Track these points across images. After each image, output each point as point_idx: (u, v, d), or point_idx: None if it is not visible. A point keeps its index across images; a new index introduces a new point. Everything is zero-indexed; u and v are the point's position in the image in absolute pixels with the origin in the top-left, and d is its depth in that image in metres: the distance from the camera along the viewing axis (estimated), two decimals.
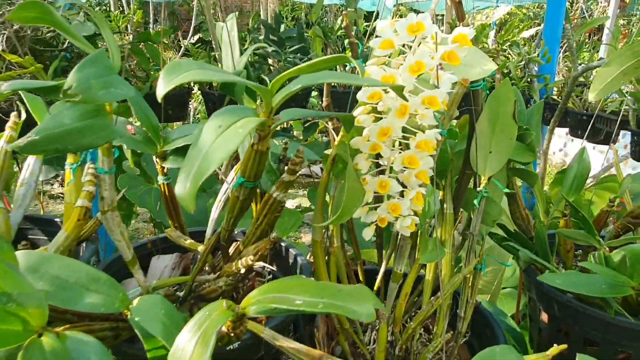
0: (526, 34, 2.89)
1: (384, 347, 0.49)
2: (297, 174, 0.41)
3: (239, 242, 0.51)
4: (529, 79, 2.01)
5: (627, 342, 0.54)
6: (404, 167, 0.42)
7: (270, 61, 1.83)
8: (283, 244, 0.63)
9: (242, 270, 0.39)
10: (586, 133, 1.64)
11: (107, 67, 0.35)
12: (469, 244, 0.56)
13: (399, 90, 0.38)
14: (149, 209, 1.30)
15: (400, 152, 0.42)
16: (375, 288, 0.60)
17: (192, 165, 0.33)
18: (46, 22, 0.40)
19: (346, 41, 1.95)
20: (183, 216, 0.62)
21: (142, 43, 1.88)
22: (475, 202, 0.54)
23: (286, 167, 0.41)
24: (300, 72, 0.34)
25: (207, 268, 0.56)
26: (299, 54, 1.89)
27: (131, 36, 2.02)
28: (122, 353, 0.44)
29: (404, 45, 0.43)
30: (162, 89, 0.28)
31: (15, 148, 0.33)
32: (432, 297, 0.54)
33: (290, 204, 2.88)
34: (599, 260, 0.54)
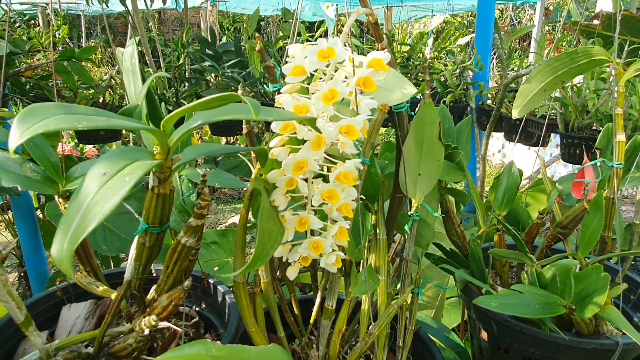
0: (462, 41, 2.99)
1: None
2: (204, 218, 0.37)
3: (154, 289, 0.46)
4: (464, 87, 2.07)
5: (562, 357, 0.54)
6: (325, 202, 0.40)
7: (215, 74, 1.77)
8: (211, 281, 0.59)
9: (146, 331, 0.34)
10: (517, 137, 1.69)
11: None
12: (402, 271, 0.54)
13: (311, 122, 0.35)
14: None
15: (319, 187, 0.39)
16: (311, 321, 0.57)
17: (71, 223, 0.28)
18: None
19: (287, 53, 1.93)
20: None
21: (66, 61, 1.77)
22: (406, 227, 0.52)
23: (193, 211, 0.37)
24: (194, 110, 0.30)
25: (124, 317, 0.50)
26: (237, 68, 1.84)
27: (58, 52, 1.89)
28: None
29: (326, 67, 0.40)
30: (14, 140, 0.24)
31: None
32: (370, 327, 0.52)
33: (237, 219, 2.81)
34: (531, 278, 0.53)
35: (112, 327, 0.47)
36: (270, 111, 0.32)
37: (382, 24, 4.44)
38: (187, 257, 0.39)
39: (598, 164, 0.56)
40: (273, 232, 0.37)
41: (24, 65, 1.85)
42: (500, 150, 4.85)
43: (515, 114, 0.56)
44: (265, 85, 1.77)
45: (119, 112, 0.39)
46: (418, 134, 0.50)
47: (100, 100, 1.84)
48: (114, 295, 0.50)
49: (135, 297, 0.45)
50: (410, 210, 0.54)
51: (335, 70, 0.41)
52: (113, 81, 1.99)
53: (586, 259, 0.52)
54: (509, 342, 0.58)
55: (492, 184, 1.19)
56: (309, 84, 0.41)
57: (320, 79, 0.41)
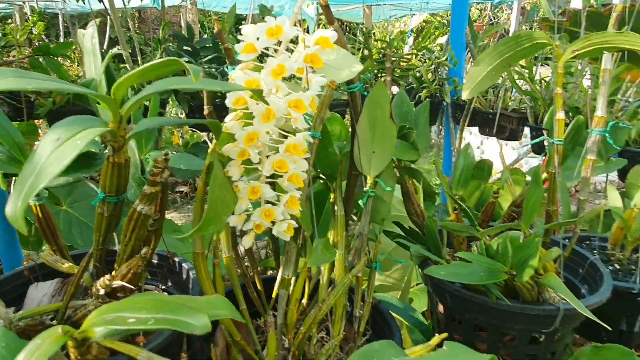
0: (442, 39, 3.04)
1: (274, 355, 0.48)
2: (159, 185, 0.39)
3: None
4: (440, 82, 2.11)
5: (509, 324, 0.57)
6: (276, 172, 0.42)
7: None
8: (177, 259, 0.60)
9: (102, 292, 0.36)
10: (495, 129, 1.74)
11: None
12: (359, 245, 0.57)
13: (258, 94, 0.37)
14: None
15: (269, 157, 0.41)
16: (273, 295, 0.59)
17: (25, 183, 0.30)
18: None
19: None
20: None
21: (41, 56, 1.76)
22: (361, 202, 0.55)
23: (147, 179, 0.39)
24: (141, 79, 0.32)
25: (89, 293, 0.52)
26: (214, 64, 1.85)
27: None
28: None
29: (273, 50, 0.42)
30: None
31: None
32: (326, 295, 0.54)
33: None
34: (480, 250, 0.56)
35: (76, 299, 0.49)
36: (215, 82, 0.34)
37: (362, 23, 4.48)
38: (145, 226, 0.41)
39: (545, 142, 0.59)
40: (226, 199, 0.40)
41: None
42: (479, 147, 4.94)
43: (464, 95, 0.59)
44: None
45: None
46: (371, 113, 0.53)
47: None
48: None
49: (98, 268, 0.46)
50: (366, 187, 0.57)
51: (291, 52, 0.43)
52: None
53: (530, 230, 0.55)
54: (460, 312, 0.61)
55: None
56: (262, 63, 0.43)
57: (273, 57, 0.43)
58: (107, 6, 2.07)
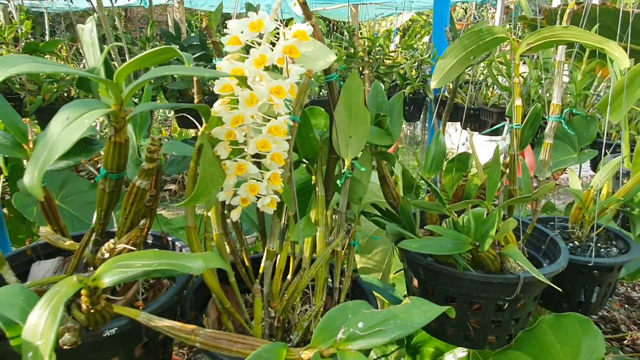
0: (427, 38, 3.11)
1: (260, 319, 0.53)
2: (155, 162, 0.44)
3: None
4: (423, 79, 2.17)
5: (476, 293, 0.63)
6: (260, 152, 0.47)
7: None
8: (170, 238, 0.65)
9: (107, 255, 0.41)
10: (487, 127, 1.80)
11: None
12: (337, 222, 0.62)
13: (243, 81, 0.42)
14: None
15: (253, 138, 0.46)
16: (260, 271, 0.64)
17: (40, 156, 0.35)
18: None
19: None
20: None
21: (29, 54, 1.78)
22: (338, 182, 0.60)
23: (145, 155, 0.44)
24: (141, 65, 0.37)
25: (90, 269, 0.57)
26: (202, 61, 1.89)
27: (22, 47, 1.90)
28: None
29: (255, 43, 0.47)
30: None
31: None
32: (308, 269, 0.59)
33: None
34: (449, 225, 0.62)
35: (79, 272, 0.53)
36: (204, 70, 0.39)
37: (349, 22, 4.54)
38: (143, 200, 0.46)
39: (506, 126, 0.65)
40: (214, 175, 0.44)
41: None
42: (464, 144, 5.03)
43: (433, 85, 0.65)
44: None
45: (78, 78, 0.45)
46: (347, 101, 0.58)
47: (66, 94, 1.86)
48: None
49: (99, 242, 0.51)
50: (343, 169, 0.62)
51: (272, 44, 0.48)
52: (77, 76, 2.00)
53: (493, 206, 0.61)
54: (433, 284, 0.67)
55: (445, 167, 1.29)
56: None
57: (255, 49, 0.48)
58: (95, 5, 2.10)
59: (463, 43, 0.63)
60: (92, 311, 0.36)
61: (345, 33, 2.44)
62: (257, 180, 0.48)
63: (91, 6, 2.16)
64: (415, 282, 0.71)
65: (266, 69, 0.47)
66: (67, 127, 0.36)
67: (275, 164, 0.48)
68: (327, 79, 0.58)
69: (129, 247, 0.43)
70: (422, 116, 2.45)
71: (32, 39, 2.60)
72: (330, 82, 0.58)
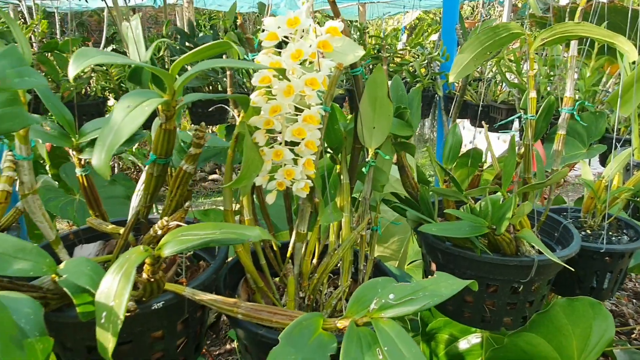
0: (434, 37, 3.13)
1: (293, 296, 0.57)
2: (201, 147, 0.48)
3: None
4: (432, 76, 2.20)
5: (493, 276, 0.66)
6: (295, 139, 0.51)
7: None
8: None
9: (159, 232, 0.45)
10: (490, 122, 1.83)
11: (19, 59, 0.40)
12: (362, 208, 0.65)
13: (282, 72, 0.46)
14: (72, 220, 1.29)
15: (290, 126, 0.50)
16: (288, 255, 0.68)
17: (105, 140, 0.39)
18: None
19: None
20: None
21: (49, 53, 1.83)
22: (364, 170, 0.63)
23: (192, 141, 0.47)
24: (195, 58, 0.41)
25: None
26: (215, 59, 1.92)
27: (36, 47, 1.95)
28: (50, 322, 0.48)
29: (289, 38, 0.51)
30: (72, 70, 0.34)
31: None
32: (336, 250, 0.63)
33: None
34: (466, 210, 0.65)
35: (122, 252, 0.57)
36: (250, 63, 0.43)
37: (356, 20, 4.58)
38: (187, 183, 0.50)
39: (522, 119, 0.68)
40: (255, 160, 0.48)
41: None
42: (471, 142, 5.05)
43: (451, 79, 0.68)
44: (242, 77, 1.86)
45: (131, 69, 0.49)
46: (371, 93, 0.62)
47: (83, 92, 1.91)
48: (121, 230, 0.60)
49: (143, 224, 0.55)
50: (367, 158, 0.66)
51: (302, 38, 0.52)
52: (94, 74, 2.04)
53: (508, 193, 0.64)
54: (451, 268, 0.70)
55: (457, 163, 1.32)
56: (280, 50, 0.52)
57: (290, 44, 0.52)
58: (110, 3, 2.14)
59: (480, 39, 0.66)
60: (151, 280, 0.40)
61: (353, 32, 2.47)
62: (292, 166, 0.52)
63: (102, 6, 2.21)
64: (434, 266, 0.75)
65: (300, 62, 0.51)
66: (129, 114, 0.40)
67: (309, 150, 0.52)
68: (353, 72, 0.61)
69: (182, 223, 0.47)
70: (431, 114, 2.48)
71: (49, 39, 2.65)
72: (356, 76, 0.61)
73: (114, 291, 0.35)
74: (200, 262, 0.62)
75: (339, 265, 0.65)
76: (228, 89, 0.63)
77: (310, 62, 0.54)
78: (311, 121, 0.50)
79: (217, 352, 1.63)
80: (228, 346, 1.68)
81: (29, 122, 0.43)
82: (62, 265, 0.41)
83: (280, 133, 0.52)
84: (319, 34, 0.52)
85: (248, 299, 0.66)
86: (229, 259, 0.68)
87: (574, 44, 0.67)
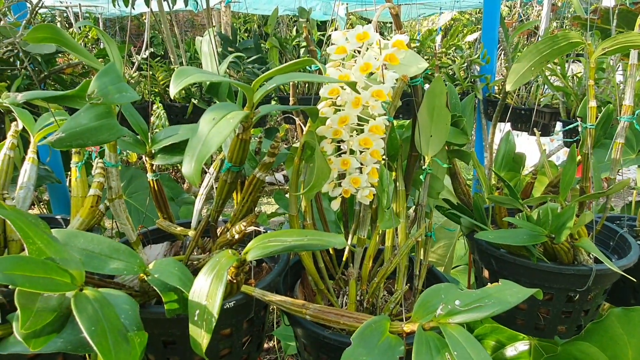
0: (470, 37, 3.11)
1: (354, 299, 0.59)
2: (274, 157, 0.50)
3: (226, 224, 0.59)
4: (472, 80, 2.18)
5: (548, 284, 0.67)
6: (361, 148, 0.53)
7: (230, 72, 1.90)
8: (261, 229, 0.72)
9: (237, 236, 0.48)
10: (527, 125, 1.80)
11: (118, 76, 0.44)
12: (418, 214, 0.67)
13: (352, 85, 0.48)
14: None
15: (357, 136, 0.52)
16: (344, 258, 0.70)
17: (195, 150, 0.42)
18: (56, 42, 0.48)
19: (302, 50, 2.07)
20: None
21: (101, 59, 1.92)
22: (421, 177, 0.65)
23: (267, 151, 0.50)
24: (275, 74, 0.44)
25: (198, 249, 0.64)
26: (256, 64, 1.98)
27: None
28: None
29: (354, 51, 0.53)
30: (173, 89, 0.37)
31: (47, 144, 0.41)
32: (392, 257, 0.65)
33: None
34: (522, 218, 0.66)
35: (192, 254, 0.61)
36: (323, 77, 0.45)
37: (391, 22, 4.56)
38: (259, 189, 0.52)
39: (579, 127, 0.68)
40: (324, 169, 0.51)
41: (63, 63, 2.01)
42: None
43: (508, 87, 0.69)
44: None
45: (208, 85, 0.52)
46: (430, 102, 0.63)
47: None
48: (191, 232, 0.64)
49: (212, 227, 0.58)
50: (424, 166, 0.67)
51: (357, 52, 0.54)
52: (142, 78, 2.13)
53: (566, 202, 0.64)
54: (505, 275, 0.71)
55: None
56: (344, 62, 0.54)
57: (355, 57, 0.54)
58: (156, 8, 2.22)
59: (538, 48, 0.67)
60: (233, 281, 0.43)
61: (386, 34, 2.47)
62: (359, 174, 0.54)
63: (143, 11, 2.28)
64: (486, 273, 0.75)
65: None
66: (215, 125, 0.43)
67: (373, 159, 0.54)
68: (413, 82, 0.63)
69: (258, 228, 0.50)
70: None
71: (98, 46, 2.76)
72: (415, 86, 0.63)
73: (206, 291, 0.37)
74: (263, 264, 0.65)
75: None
76: (291, 99, 0.65)
77: (371, 74, 0.56)
78: (377, 131, 0.52)
79: None
80: (265, 345, 1.71)
81: (121, 133, 0.46)
82: (151, 266, 0.44)
83: (344, 142, 0.54)
84: (382, 46, 0.54)
85: (305, 299, 0.69)
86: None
87: (634, 52, 0.67)
